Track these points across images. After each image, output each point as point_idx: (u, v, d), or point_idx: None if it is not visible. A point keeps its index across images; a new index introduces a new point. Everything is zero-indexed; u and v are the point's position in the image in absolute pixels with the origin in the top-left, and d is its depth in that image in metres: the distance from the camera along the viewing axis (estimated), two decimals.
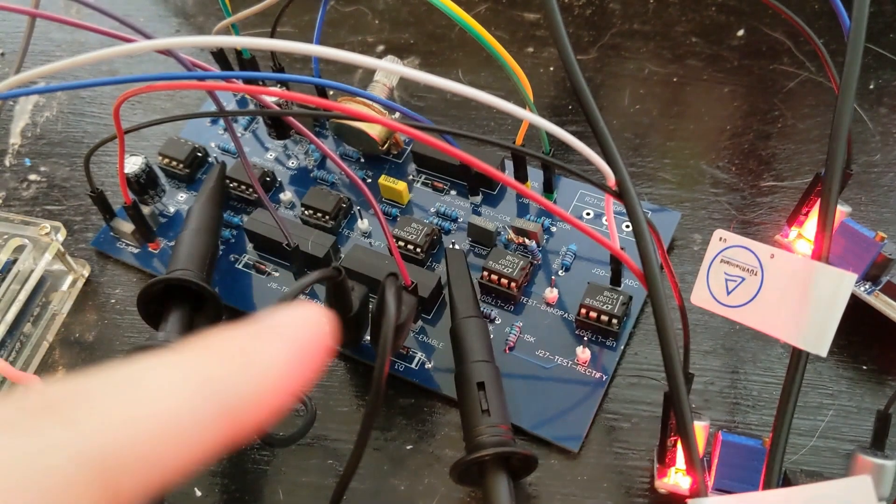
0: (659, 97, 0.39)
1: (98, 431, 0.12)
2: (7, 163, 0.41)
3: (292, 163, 0.38)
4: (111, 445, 0.12)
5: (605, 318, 0.30)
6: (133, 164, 0.35)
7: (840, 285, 0.22)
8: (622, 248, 0.25)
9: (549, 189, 0.35)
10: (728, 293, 0.25)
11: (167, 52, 0.27)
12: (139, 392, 0.12)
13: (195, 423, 0.13)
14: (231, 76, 0.28)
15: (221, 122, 0.40)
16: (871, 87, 0.38)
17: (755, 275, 0.24)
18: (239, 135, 0.39)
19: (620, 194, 0.24)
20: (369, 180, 0.37)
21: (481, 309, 0.31)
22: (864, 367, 0.30)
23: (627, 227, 0.34)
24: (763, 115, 0.38)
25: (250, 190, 0.36)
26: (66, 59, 0.22)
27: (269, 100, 0.32)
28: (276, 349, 0.14)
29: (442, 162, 0.36)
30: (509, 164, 0.36)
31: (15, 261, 0.33)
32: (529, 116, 0.22)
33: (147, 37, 0.28)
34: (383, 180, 0.36)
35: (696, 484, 0.22)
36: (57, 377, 0.33)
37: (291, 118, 0.31)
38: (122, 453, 0.12)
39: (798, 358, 0.23)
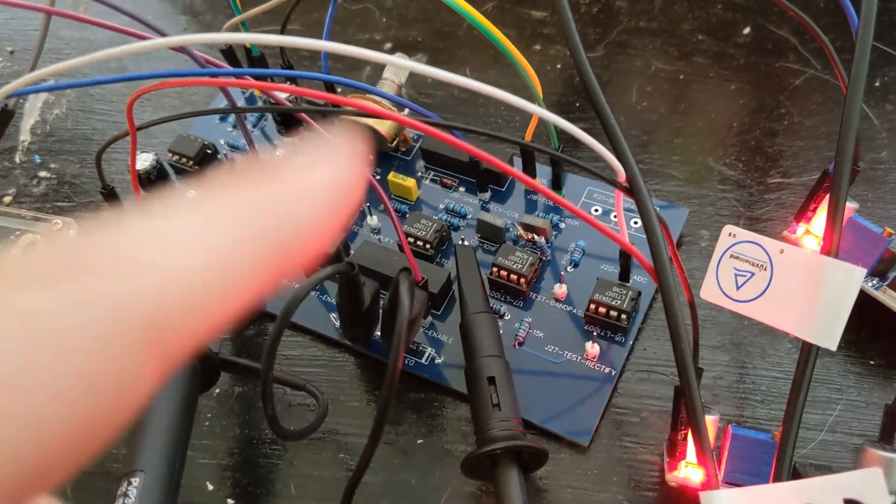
0: (666, 94, 0.40)
1: (140, 283, 0.10)
2: (17, 159, 0.41)
3: None
4: (155, 298, 0.10)
5: (614, 313, 0.31)
6: (144, 161, 0.35)
7: (850, 280, 0.23)
8: (632, 244, 0.25)
9: (557, 186, 0.35)
10: (737, 288, 0.25)
11: (181, 49, 0.27)
12: (178, 233, 0.11)
13: (240, 264, 0.11)
14: (243, 73, 0.28)
15: (230, 118, 0.40)
16: (877, 84, 0.38)
17: (765, 270, 0.24)
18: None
19: (631, 190, 0.24)
20: (378, 177, 0.37)
21: (491, 304, 0.31)
22: (872, 362, 0.31)
23: (636, 223, 0.34)
24: (770, 113, 0.38)
25: None
26: (80, 56, 0.22)
27: (280, 96, 0.32)
28: (323, 177, 0.13)
29: (451, 159, 0.36)
30: (518, 161, 0.36)
31: None
32: (539, 111, 0.22)
33: (161, 33, 0.28)
34: (392, 177, 0.36)
35: (708, 476, 0.22)
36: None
37: (304, 114, 0.31)
38: (167, 306, 0.10)
39: (808, 352, 0.23)
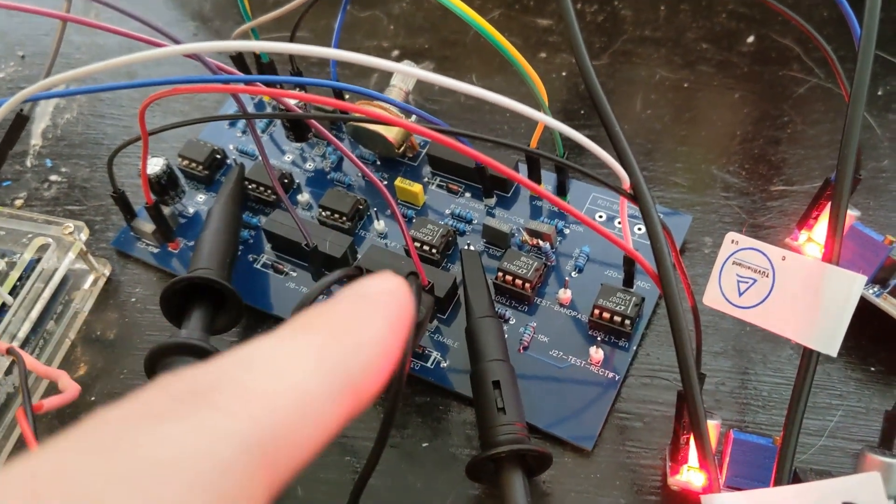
0: (670, 103, 0.40)
1: (251, 415, 0.12)
2: (28, 163, 0.42)
3: (309, 165, 0.39)
4: (265, 427, 0.12)
5: (617, 318, 0.31)
6: (154, 166, 0.36)
7: (851, 287, 0.23)
8: (636, 250, 0.25)
9: (562, 192, 0.36)
10: (740, 294, 0.25)
11: (193, 56, 0.28)
12: (276, 376, 0.13)
13: (326, 399, 0.13)
14: (254, 80, 0.29)
15: (240, 124, 0.41)
16: (880, 93, 0.39)
17: (767, 276, 0.25)
18: None
19: (635, 197, 0.25)
20: (385, 182, 0.38)
21: (496, 309, 0.32)
22: (873, 369, 0.31)
23: (639, 229, 0.34)
24: (773, 121, 0.38)
25: (269, 191, 0.37)
26: (93, 62, 0.22)
27: (290, 102, 0.32)
28: (378, 322, 0.15)
29: (457, 164, 0.36)
30: (523, 167, 0.36)
31: (39, 259, 0.34)
32: (545, 118, 0.22)
33: (173, 40, 0.28)
34: (399, 182, 0.36)
35: (710, 480, 0.22)
36: (81, 374, 0.34)
37: (313, 121, 0.31)
38: (275, 434, 0.12)
39: (809, 358, 0.23)
